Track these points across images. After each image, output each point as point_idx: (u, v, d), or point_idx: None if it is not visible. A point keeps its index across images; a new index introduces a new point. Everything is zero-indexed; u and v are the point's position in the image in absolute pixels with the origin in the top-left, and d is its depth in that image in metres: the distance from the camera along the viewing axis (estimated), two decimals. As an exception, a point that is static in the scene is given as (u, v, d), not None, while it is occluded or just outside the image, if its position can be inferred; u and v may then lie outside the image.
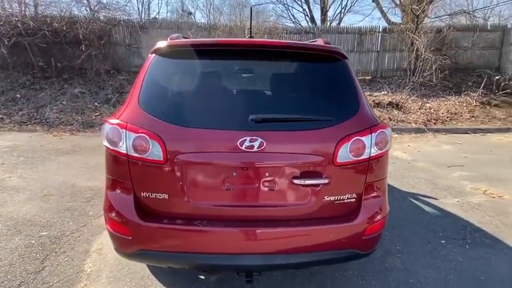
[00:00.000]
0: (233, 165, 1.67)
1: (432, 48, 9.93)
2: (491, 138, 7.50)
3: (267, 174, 1.68)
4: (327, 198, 1.73)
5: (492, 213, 3.35)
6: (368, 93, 9.74)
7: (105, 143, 1.79)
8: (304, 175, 1.68)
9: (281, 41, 1.89)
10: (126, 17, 10.57)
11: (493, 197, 3.81)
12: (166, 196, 1.69)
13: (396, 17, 16.31)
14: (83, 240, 2.75)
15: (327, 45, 1.95)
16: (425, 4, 13.03)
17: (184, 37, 2.30)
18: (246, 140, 1.62)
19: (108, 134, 1.75)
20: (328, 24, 18.25)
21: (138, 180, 1.71)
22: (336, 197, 1.74)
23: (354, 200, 1.78)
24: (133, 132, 1.68)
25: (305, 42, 2.03)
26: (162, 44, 1.86)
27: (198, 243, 1.69)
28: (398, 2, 14.84)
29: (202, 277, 2.24)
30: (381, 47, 11.03)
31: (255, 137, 1.62)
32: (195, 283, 2.19)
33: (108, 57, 9.94)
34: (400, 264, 2.46)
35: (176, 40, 1.98)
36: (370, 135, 1.74)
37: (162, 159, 1.66)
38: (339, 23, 20.35)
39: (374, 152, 1.75)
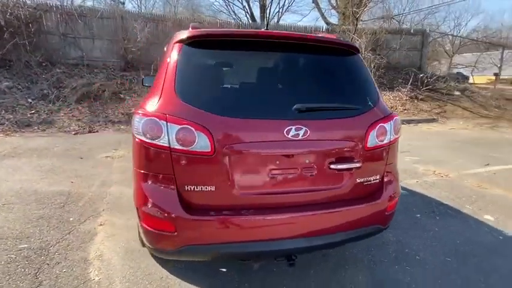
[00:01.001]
0: (279, 154, 1.72)
1: (369, 49, 11.01)
2: (422, 128, 8.71)
3: (308, 161, 1.77)
4: (358, 180, 1.89)
5: (446, 190, 3.96)
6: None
7: (139, 136, 1.68)
8: (341, 160, 1.81)
9: (312, 34, 1.98)
10: (59, 3, 9.43)
11: (442, 176, 4.49)
12: (213, 188, 1.66)
13: (333, 18, 17.60)
14: (75, 248, 2.48)
15: (345, 40, 2.11)
16: (363, 7, 14.32)
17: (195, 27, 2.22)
18: (291, 128, 1.68)
19: (144, 127, 1.65)
20: (267, 22, 18.78)
21: (181, 173, 1.64)
22: (365, 179, 1.92)
23: (378, 181, 1.98)
24: (176, 124, 1.61)
25: (325, 36, 2.12)
26: (193, 33, 1.80)
27: (246, 232, 1.70)
28: (334, 5, 16.05)
29: (224, 270, 2.24)
30: (325, 45, 11.81)
31: (299, 126, 1.69)
32: (218, 276, 2.18)
33: (39, 48, 8.78)
34: (394, 238, 2.78)
35: (210, 30, 1.93)
36: (390, 122, 1.95)
37: (209, 150, 1.62)
38: (277, 22, 21.11)
39: (392, 137, 1.98)
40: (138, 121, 1.69)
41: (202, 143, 1.61)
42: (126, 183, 3.80)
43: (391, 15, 17.95)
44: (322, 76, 1.89)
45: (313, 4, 16.58)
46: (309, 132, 1.70)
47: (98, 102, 7.94)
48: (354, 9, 13.20)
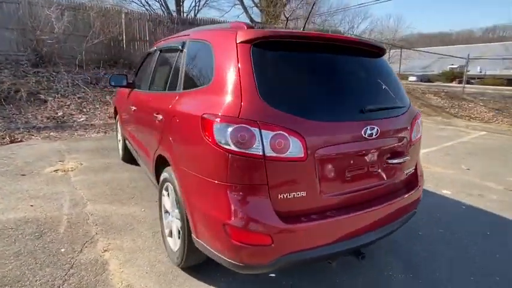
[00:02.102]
0: (357, 153, 1.78)
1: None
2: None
3: (377, 157, 1.88)
4: (405, 172, 2.10)
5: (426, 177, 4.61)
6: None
7: (225, 146, 1.52)
8: (398, 154, 1.98)
9: (365, 38, 2.07)
10: None
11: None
12: (304, 193, 1.62)
13: (254, 16, 18.08)
14: (92, 284, 2.07)
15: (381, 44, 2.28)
16: (281, 7, 15.09)
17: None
18: (367, 128, 1.77)
19: (234, 135, 1.50)
20: (185, 15, 18.13)
21: (275, 181, 1.55)
22: (409, 170, 2.14)
23: (414, 170, 2.23)
24: (270, 130, 1.52)
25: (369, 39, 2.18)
26: (261, 33, 1.69)
27: (334, 232, 1.72)
28: (257, 2, 16.53)
29: (273, 275, 2.21)
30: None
31: (373, 125, 1.79)
32: (270, 283, 2.14)
33: None
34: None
35: (275, 30, 1.83)
36: (420, 118, 2.22)
37: (302, 155, 1.58)
38: (194, 16, 20.57)
39: (421, 131, 2.25)
40: (222, 129, 1.52)
41: (295, 148, 1.56)
42: (103, 200, 3.30)
43: (302, 15, 19.48)
44: (375, 77, 2.02)
45: (237, 1, 16.74)
46: (379, 130, 1.82)
47: (12, 106, 6.51)
48: (273, 8, 13.87)
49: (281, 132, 1.53)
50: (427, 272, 2.33)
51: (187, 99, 1.98)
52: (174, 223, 2.24)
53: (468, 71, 23.52)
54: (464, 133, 8.14)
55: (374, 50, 2.12)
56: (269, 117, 1.55)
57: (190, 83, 2.10)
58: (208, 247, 1.74)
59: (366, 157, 1.83)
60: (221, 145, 1.54)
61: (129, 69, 9.23)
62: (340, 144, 1.71)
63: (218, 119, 1.56)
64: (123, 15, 9.19)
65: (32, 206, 3.12)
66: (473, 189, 4.05)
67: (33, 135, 5.88)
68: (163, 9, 18.98)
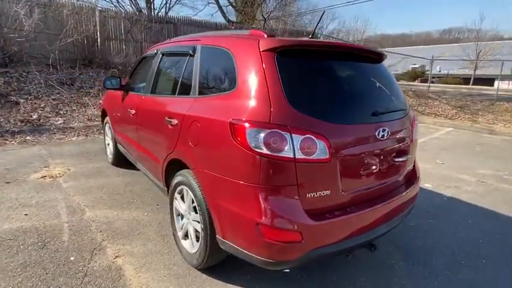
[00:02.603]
0: (374, 153, 1.93)
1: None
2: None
3: (388, 156, 2.04)
4: (408, 168, 2.29)
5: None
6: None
7: (257, 149, 1.60)
8: (403, 153, 2.16)
9: (370, 46, 2.21)
10: None
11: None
12: (328, 192, 1.74)
13: (229, 15, 18.03)
14: (111, 290, 2.06)
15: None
16: (256, 7, 15.23)
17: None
18: (380, 130, 1.92)
19: (267, 139, 1.59)
20: (156, 13, 17.68)
21: (304, 182, 1.66)
22: (410, 166, 2.34)
23: (413, 167, 2.44)
24: (300, 134, 1.62)
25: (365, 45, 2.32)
26: (284, 42, 1.79)
27: (354, 227, 1.85)
28: (232, 1, 16.49)
29: (287, 270, 2.32)
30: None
31: (384, 127, 1.95)
32: (292, 279, 2.25)
33: None
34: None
35: (300, 39, 1.93)
36: (417, 120, 2.42)
37: (328, 157, 1.69)
38: (166, 14, 20.11)
39: (418, 132, 2.46)
40: (255, 134, 1.60)
41: (321, 150, 1.67)
42: (102, 206, 3.23)
43: (279, 15, 19.76)
44: (380, 82, 2.17)
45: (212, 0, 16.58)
46: (389, 132, 1.98)
47: (-20, 109, 6.07)
48: (250, 8, 13.98)
49: (309, 135, 1.64)
50: (424, 259, 2.55)
51: (207, 105, 2.03)
52: (190, 225, 2.28)
53: (428, 71, 25.12)
54: (434, 129, 8.74)
55: (376, 57, 2.28)
56: (297, 122, 1.65)
57: (208, 88, 2.15)
58: (237, 246, 1.81)
59: (378, 156, 1.99)
60: (254, 149, 1.62)
61: (105, 69, 8.91)
62: (358, 146, 1.85)
63: (250, 124, 1.63)
64: (97, 13, 8.84)
65: (26, 215, 2.99)
66: (450, 182, 4.42)
67: (7, 140, 5.54)
68: (133, 7, 18.40)
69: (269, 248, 1.66)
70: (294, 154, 1.62)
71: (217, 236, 1.94)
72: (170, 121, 2.32)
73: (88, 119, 6.86)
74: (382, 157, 2.02)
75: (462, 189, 4.14)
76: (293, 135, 1.61)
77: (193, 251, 2.24)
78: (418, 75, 30.19)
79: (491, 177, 4.66)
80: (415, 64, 32.12)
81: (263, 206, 1.63)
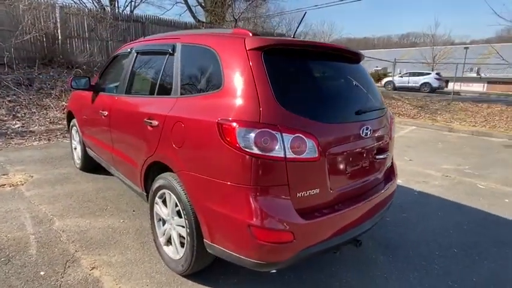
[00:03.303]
0: (358, 151, 1.97)
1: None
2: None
3: (371, 154, 2.09)
4: (387, 165, 2.37)
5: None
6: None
7: (248, 149, 1.57)
8: (383, 150, 2.23)
9: (349, 47, 2.25)
10: None
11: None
12: (317, 190, 1.75)
13: (198, 15, 17.76)
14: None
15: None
16: (226, 8, 15.17)
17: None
18: (363, 128, 1.97)
19: (258, 139, 1.56)
20: (121, 11, 16.97)
21: (294, 181, 1.65)
22: (389, 163, 2.42)
23: (391, 164, 2.53)
24: (290, 133, 1.61)
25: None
26: (270, 41, 1.77)
27: (342, 224, 1.87)
28: (201, 1, 16.27)
29: (274, 271, 2.30)
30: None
31: (367, 125, 1.99)
32: (279, 280, 2.23)
33: None
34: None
35: (285, 39, 1.91)
36: (394, 118, 2.52)
37: (317, 156, 1.70)
38: (131, 11, 19.37)
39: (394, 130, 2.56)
40: (245, 133, 1.57)
41: (311, 149, 1.68)
42: (72, 214, 3.02)
43: (248, 17, 19.81)
44: (359, 81, 2.23)
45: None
46: (371, 130, 2.03)
47: None
48: (221, 9, 13.90)
49: (299, 135, 1.64)
50: (402, 252, 2.66)
51: (191, 105, 1.96)
52: (173, 231, 2.19)
53: (390, 73, 26.46)
54: (399, 128, 9.19)
55: (355, 57, 2.34)
56: (287, 121, 1.64)
57: (191, 88, 2.07)
58: (226, 250, 1.76)
59: (361, 154, 2.04)
60: (245, 149, 1.58)
61: (68, 69, 8.39)
62: (344, 144, 1.88)
63: (240, 124, 1.59)
64: (57, 9, 8.29)
65: (-15, 228, 2.72)
66: (419, 177, 4.66)
67: (-44, 146, 5.02)
68: (95, 4, 17.50)
69: (261, 250, 1.63)
70: (285, 153, 1.60)
71: (204, 240, 1.88)
72: (150, 122, 2.22)
73: (50, 122, 6.41)
74: (365, 155, 2.07)
75: (430, 184, 4.38)
76: (283, 134, 1.60)
77: (178, 257, 2.15)
78: (380, 77, 31.76)
79: (454, 172, 4.98)
80: (377, 67, 33.71)
81: (254, 207, 1.60)
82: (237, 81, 1.74)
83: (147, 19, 10.43)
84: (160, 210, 2.30)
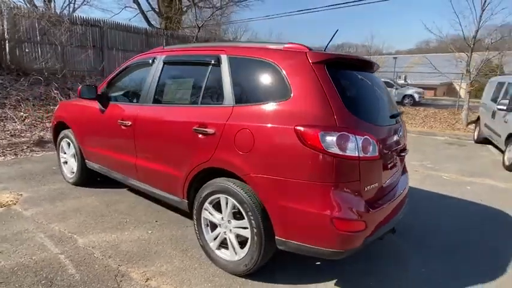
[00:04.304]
0: (395, 149, 2.30)
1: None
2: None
3: (399, 152, 2.45)
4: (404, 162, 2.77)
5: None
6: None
7: (334, 151, 1.79)
8: (405, 148, 2.61)
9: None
10: None
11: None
12: (376, 184, 2.03)
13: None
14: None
15: None
16: (181, 14, 15.08)
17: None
18: (398, 129, 2.32)
19: (338, 141, 1.79)
20: (59, 11, 15.70)
21: (363, 177, 1.90)
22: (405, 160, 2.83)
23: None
24: (360, 135, 1.87)
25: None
26: (330, 55, 2.02)
27: (390, 212, 2.17)
28: (156, 8, 15.85)
29: (319, 263, 2.52)
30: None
31: (399, 127, 2.35)
32: (318, 270, 2.45)
33: None
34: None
35: (341, 53, 2.17)
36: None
37: (377, 154, 1.98)
38: (72, 12, 17.97)
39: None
40: (328, 136, 1.79)
41: (374, 149, 1.95)
42: (93, 230, 2.88)
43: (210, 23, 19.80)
44: (380, 89, 2.56)
45: (133, 4, 15.64)
46: (401, 130, 2.40)
47: None
48: (178, 16, 13.77)
49: (367, 136, 1.90)
50: (398, 240, 3.08)
51: (254, 113, 2.08)
52: (230, 234, 2.28)
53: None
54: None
55: (375, 67, 2.68)
56: (355, 125, 1.90)
57: (248, 97, 2.20)
58: (303, 244, 1.93)
59: (396, 152, 2.38)
60: (327, 150, 1.79)
61: (17, 76, 7.58)
62: (389, 143, 2.20)
63: (322, 129, 1.80)
64: (4, 11, 7.46)
65: (0, 252, 2.46)
66: (395, 173, 5.28)
67: None
68: (27, 3, 15.85)
69: (341, 239, 1.85)
70: (358, 153, 1.86)
71: (276, 237, 2.02)
72: (203, 131, 2.28)
73: (12, 135, 5.77)
74: (398, 153, 2.42)
75: (406, 178, 5.01)
76: (356, 136, 1.85)
77: (237, 258, 2.25)
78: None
79: (420, 167, 5.74)
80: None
81: (336, 201, 1.82)
82: (307, 91, 1.95)
83: (105, 24, 9.89)
84: (211, 215, 2.37)
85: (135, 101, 3.03)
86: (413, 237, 3.03)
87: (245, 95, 2.23)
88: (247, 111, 2.14)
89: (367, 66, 2.44)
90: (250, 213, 2.10)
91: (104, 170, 3.45)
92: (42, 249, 2.53)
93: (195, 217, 2.47)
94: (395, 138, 2.31)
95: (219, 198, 2.30)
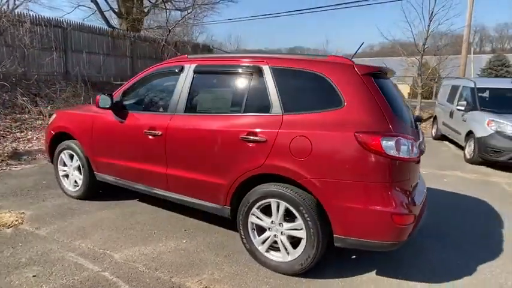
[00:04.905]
0: (420, 148, 2.60)
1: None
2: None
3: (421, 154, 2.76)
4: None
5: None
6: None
7: (393, 154, 2.02)
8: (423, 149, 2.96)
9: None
10: None
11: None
12: (415, 183, 2.32)
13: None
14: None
15: None
16: (143, 15, 14.64)
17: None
18: (421, 131, 2.63)
19: (397, 145, 2.05)
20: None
21: (411, 176, 2.17)
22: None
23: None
24: (408, 139, 2.12)
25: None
26: (376, 68, 2.26)
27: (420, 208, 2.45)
28: (116, 8, 15.04)
29: (354, 256, 2.75)
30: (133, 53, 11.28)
31: (419, 130, 2.67)
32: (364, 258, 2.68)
33: None
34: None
35: (380, 66, 2.39)
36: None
37: (418, 156, 2.25)
38: (11, 11, 16.47)
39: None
40: (389, 141, 2.02)
41: (416, 151, 2.22)
42: (124, 245, 2.80)
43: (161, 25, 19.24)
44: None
45: (91, 3, 14.64)
46: (422, 134, 2.72)
47: None
48: (139, 15, 13.34)
49: (412, 140, 2.17)
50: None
51: (308, 121, 2.23)
52: (281, 236, 2.39)
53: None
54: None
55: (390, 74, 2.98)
56: (405, 129, 2.16)
57: (297, 106, 2.33)
58: (362, 239, 2.13)
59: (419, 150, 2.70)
60: (388, 154, 2.01)
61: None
62: (419, 145, 2.49)
63: (383, 134, 2.02)
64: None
65: (35, 276, 2.30)
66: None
67: None
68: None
69: (398, 232, 2.09)
70: (409, 154, 2.11)
71: (335, 235, 2.20)
72: (254, 139, 2.37)
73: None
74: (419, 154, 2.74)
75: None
76: (407, 140, 2.11)
77: (290, 259, 2.37)
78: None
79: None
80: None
81: (394, 198, 2.05)
82: (360, 100, 2.16)
83: (69, 25, 9.22)
84: (259, 219, 2.47)
85: (161, 110, 2.99)
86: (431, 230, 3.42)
87: (294, 104, 2.37)
88: (300, 119, 2.29)
89: (389, 73, 2.73)
90: (306, 215, 2.24)
91: (120, 182, 3.33)
92: (80, 269, 2.41)
93: (241, 222, 2.54)
94: (421, 139, 2.62)
95: (269, 202, 2.41)
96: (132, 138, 3.06)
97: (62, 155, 3.74)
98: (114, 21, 15.12)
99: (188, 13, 11.85)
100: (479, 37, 44.67)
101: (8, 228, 2.99)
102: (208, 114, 2.78)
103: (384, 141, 2.03)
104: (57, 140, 3.78)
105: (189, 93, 2.83)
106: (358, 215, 2.12)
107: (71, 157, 3.68)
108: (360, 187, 2.09)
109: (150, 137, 2.90)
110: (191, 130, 2.74)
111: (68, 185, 3.79)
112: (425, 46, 12.89)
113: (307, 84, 2.37)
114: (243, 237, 2.57)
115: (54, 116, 3.91)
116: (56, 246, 2.71)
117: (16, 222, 3.09)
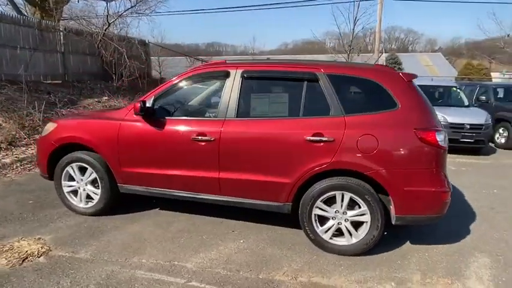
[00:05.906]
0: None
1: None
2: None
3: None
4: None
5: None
6: (90, 100, 8.93)
7: (443, 145, 2.56)
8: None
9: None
10: None
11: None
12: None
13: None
14: None
15: None
16: (62, 5, 13.06)
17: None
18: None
19: (444, 137, 2.61)
20: None
21: (445, 162, 2.74)
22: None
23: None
24: (444, 132, 2.69)
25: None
26: (411, 75, 2.77)
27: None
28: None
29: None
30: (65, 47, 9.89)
31: None
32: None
33: None
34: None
35: (412, 73, 2.83)
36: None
37: (446, 145, 2.85)
38: None
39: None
40: (441, 135, 2.55)
41: (446, 141, 2.81)
42: (184, 253, 2.77)
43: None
44: None
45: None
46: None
47: None
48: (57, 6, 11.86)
49: (444, 130, 2.74)
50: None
51: (370, 121, 2.60)
52: (346, 222, 2.73)
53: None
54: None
55: None
56: (440, 123, 2.72)
57: (356, 108, 2.71)
58: (417, 215, 2.63)
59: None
60: (440, 145, 2.53)
61: None
62: None
63: (437, 130, 2.53)
64: None
65: (124, 299, 2.15)
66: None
67: None
68: None
69: (443, 206, 2.65)
70: (447, 144, 2.68)
71: (396, 215, 2.64)
72: (320, 140, 2.63)
73: None
74: None
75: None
76: (445, 132, 2.67)
77: (355, 241, 2.73)
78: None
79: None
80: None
81: (442, 180, 2.60)
82: (410, 102, 2.63)
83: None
84: (323, 211, 2.76)
85: (208, 115, 2.99)
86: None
87: (353, 106, 2.74)
88: (362, 120, 2.65)
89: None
90: (371, 202, 2.63)
91: (154, 191, 3.17)
92: (164, 284, 2.34)
93: (305, 215, 2.78)
94: None
95: (333, 195, 2.72)
96: (176, 145, 2.98)
97: (68, 168, 3.32)
98: (27, 8, 12.88)
99: (132, 6, 10.88)
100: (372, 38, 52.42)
101: (39, 257, 2.61)
102: (264, 118, 2.91)
103: (437, 135, 2.56)
104: (57, 152, 3.34)
105: (239, 98, 2.90)
106: (416, 196, 2.61)
107: (81, 170, 3.31)
108: (418, 173, 2.57)
109: (201, 143, 2.88)
110: (249, 134, 2.83)
111: (77, 202, 3.39)
112: (350, 48, 14.71)
113: (363, 89, 2.74)
114: (307, 229, 2.82)
115: (52, 126, 3.40)
116: (116, 267, 2.52)
117: (43, 250, 2.71)
